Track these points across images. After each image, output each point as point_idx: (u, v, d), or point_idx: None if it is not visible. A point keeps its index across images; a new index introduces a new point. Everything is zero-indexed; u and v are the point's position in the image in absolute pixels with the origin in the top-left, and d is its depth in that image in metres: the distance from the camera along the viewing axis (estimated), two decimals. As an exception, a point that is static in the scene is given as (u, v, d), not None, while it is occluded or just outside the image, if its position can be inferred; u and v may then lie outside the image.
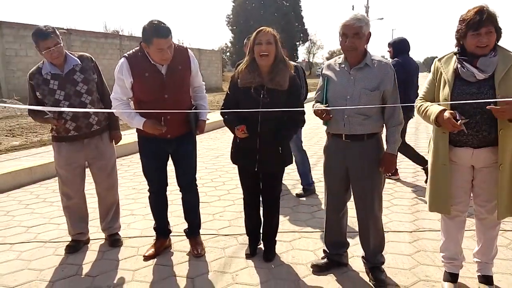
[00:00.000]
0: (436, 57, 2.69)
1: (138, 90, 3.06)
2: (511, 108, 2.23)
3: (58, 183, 3.51)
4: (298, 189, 5.05)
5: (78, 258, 3.33)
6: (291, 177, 5.60)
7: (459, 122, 2.30)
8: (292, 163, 3.17)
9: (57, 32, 3.21)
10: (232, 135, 3.11)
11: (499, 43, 2.49)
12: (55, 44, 3.14)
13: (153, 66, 3.01)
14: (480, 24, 2.32)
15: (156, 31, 2.84)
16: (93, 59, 3.46)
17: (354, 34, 2.60)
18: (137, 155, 7.21)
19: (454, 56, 2.51)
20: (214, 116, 10.34)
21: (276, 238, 3.31)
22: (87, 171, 3.53)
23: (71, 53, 3.33)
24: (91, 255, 3.38)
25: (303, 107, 3.00)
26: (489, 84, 2.37)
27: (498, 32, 2.40)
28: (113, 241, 3.56)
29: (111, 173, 3.54)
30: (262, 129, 2.93)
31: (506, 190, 2.45)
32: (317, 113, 2.71)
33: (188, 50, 3.18)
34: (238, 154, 3.15)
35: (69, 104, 3.23)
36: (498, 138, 2.38)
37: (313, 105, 2.90)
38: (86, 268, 3.16)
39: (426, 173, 5.30)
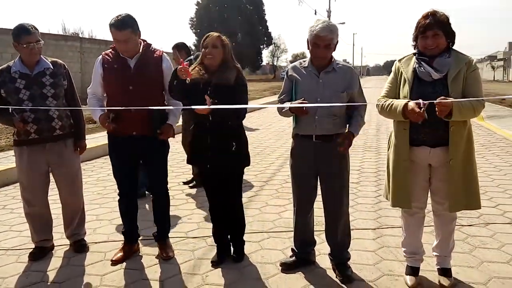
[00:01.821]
0: (395, 60, 2.84)
1: (106, 81, 3.17)
2: (449, 106, 2.33)
3: (20, 189, 3.40)
4: (265, 190, 5.12)
5: (42, 265, 3.25)
6: (258, 178, 5.68)
7: (422, 109, 2.36)
8: (249, 164, 3.19)
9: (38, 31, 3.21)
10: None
11: (454, 47, 2.64)
12: (37, 41, 3.15)
13: (123, 59, 3.13)
14: (427, 27, 2.51)
15: (114, 22, 2.98)
16: (66, 67, 3.43)
17: (325, 45, 2.71)
18: (100, 160, 7.23)
19: (414, 57, 2.66)
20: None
21: (245, 239, 3.35)
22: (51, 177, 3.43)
23: (44, 58, 3.30)
24: (56, 262, 3.30)
25: (247, 103, 3.12)
26: (442, 84, 2.53)
27: (450, 35, 2.56)
28: (79, 246, 3.49)
29: (75, 180, 3.46)
30: (212, 126, 2.97)
31: (456, 185, 2.59)
32: (294, 108, 2.72)
33: (163, 53, 3.27)
34: (191, 153, 3.20)
35: (33, 106, 3.16)
36: (449, 134, 2.52)
37: (278, 105, 2.95)
38: (51, 275, 3.09)
39: None
